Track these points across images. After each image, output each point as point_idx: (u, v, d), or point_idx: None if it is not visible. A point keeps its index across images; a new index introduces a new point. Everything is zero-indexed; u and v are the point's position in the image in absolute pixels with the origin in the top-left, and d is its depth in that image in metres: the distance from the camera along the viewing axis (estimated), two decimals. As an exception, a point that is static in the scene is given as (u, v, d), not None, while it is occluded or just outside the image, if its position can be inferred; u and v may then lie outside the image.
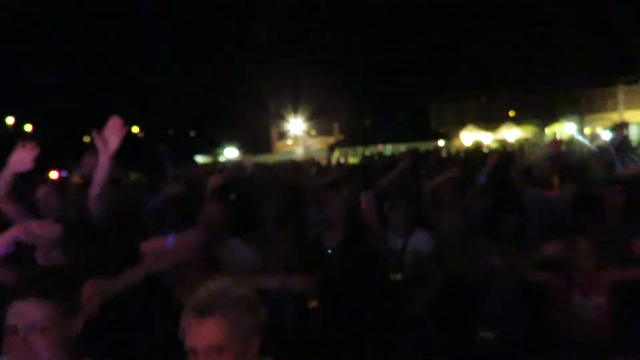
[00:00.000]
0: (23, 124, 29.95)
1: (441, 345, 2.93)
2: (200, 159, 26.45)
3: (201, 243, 2.27)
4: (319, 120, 29.21)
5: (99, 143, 2.10)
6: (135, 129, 33.91)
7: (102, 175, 2.16)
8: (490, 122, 24.53)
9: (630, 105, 23.72)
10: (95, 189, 2.19)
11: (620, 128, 6.98)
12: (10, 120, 29.25)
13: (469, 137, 24.15)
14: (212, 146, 29.18)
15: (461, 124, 25.31)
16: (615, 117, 23.66)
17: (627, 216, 2.84)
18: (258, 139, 29.51)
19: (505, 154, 8.18)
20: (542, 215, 3.43)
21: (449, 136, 24.24)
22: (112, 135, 2.11)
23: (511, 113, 25.48)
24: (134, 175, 11.43)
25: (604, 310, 2.42)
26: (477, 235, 3.10)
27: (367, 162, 11.67)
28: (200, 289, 1.22)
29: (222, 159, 26.42)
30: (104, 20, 32.62)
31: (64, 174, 9.59)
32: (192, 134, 36.90)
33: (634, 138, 19.44)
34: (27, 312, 1.27)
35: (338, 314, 3.05)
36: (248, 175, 7.03)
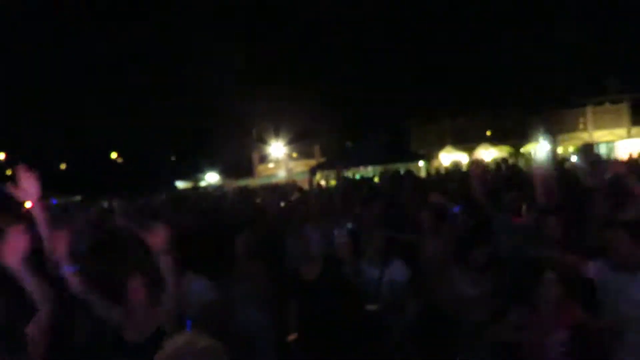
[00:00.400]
0: (-5, 152, 29.30)
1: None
2: (180, 184, 26.25)
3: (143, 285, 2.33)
4: (301, 143, 29.45)
5: (19, 195, 2.12)
6: (113, 155, 33.47)
7: (42, 223, 2.18)
8: (467, 142, 25.18)
9: (598, 126, 24.75)
10: (44, 237, 2.21)
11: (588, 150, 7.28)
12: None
13: (447, 157, 24.69)
14: (193, 171, 28.99)
15: (440, 145, 25.89)
16: (585, 136, 24.58)
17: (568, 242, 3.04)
18: (240, 162, 29.49)
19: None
20: (511, 242, 3.55)
21: (428, 157, 24.72)
22: (26, 183, 2.12)
23: (488, 133, 26.24)
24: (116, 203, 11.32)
25: (569, 346, 2.50)
26: (450, 264, 3.20)
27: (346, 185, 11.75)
28: (167, 343, 1.30)
29: (203, 183, 26.28)
30: (80, 44, 32.43)
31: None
32: (173, 158, 36.60)
33: (603, 156, 20.16)
34: None
35: (317, 346, 3.08)
36: (228, 204, 7.04)
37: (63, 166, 31.30)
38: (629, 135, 24.00)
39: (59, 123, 30.35)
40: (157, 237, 2.46)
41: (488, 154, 23.96)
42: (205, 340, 1.32)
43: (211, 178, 28.09)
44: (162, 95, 31.58)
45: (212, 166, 29.04)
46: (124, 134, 31.62)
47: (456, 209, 3.86)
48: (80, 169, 28.45)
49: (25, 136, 29.90)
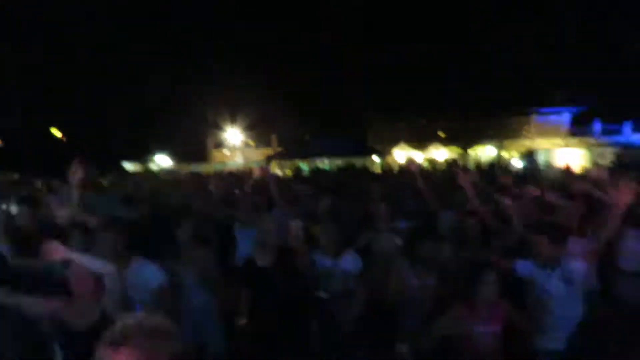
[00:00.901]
0: None
1: (362, 358, 3.13)
2: (128, 165, 25.17)
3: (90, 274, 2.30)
4: (258, 131, 29.13)
5: None
6: (55, 132, 31.39)
7: None
8: (421, 141, 26.08)
9: (540, 134, 26.49)
10: None
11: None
12: None
13: (401, 154, 25.46)
14: (142, 152, 27.80)
15: (395, 142, 26.62)
16: (527, 143, 26.21)
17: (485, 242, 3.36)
18: (194, 147, 28.70)
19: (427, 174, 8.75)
20: (455, 237, 3.78)
21: (383, 153, 25.36)
22: None
23: (441, 134, 27.29)
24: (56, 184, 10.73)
25: (500, 336, 2.77)
26: (399, 256, 3.36)
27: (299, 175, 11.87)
28: (116, 323, 1.30)
29: (153, 167, 25.36)
30: (17, 14, 29.91)
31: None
32: (121, 139, 34.85)
33: (541, 162, 21.64)
34: None
35: (267, 331, 3.14)
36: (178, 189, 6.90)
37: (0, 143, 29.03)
38: (566, 145, 25.89)
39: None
40: None
41: (439, 153, 24.97)
42: (155, 320, 1.32)
43: (162, 161, 27.16)
44: (113, 71, 29.96)
45: (163, 149, 28.03)
46: (68, 111, 29.70)
47: (402, 224, 4.06)
48: (18, 145, 26.47)
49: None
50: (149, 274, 2.98)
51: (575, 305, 2.90)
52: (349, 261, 3.47)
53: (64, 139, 32.82)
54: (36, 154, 23.18)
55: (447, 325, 2.70)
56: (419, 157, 24.90)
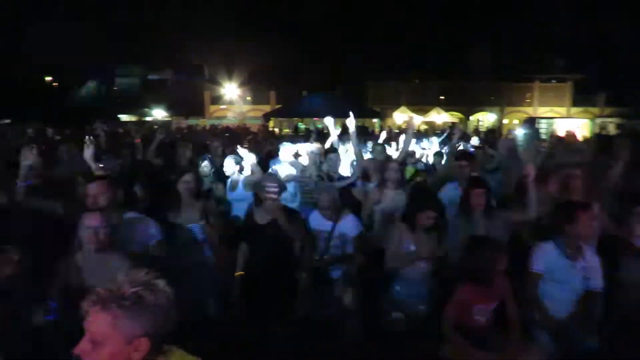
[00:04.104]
0: None
1: (356, 322, 3.13)
2: (124, 117, 24.73)
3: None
4: (256, 87, 28.50)
5: None
6: (48, 78, 30.51)
7: None
8: (421, 104, 25.66)
9: (542, 102, 26.10)
10: None
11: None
12: None
13: (401, 117, 25.12)
14: (138, 104, 27.27)
15: (395, 104, 26.18)
16: (530, 111, 25.87)
17: (487, 213, 3.27)
18: (190, 100, 28.13)
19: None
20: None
21: (383, 115, 25.01)
22: None
23: (441, 97, 26.87)
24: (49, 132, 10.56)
25: (494, 311, 2.74)
26: (399, 222, 3.29)
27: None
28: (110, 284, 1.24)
29: (149, 118, 24.95)
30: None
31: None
32: (115, 87, 34.00)
33: (542, 131, 21.43)
34: None
35: (260, 286, 3.13)
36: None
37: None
38: (568, 114, 25.59)
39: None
40: None
41: (439, 117, 24.65)
42: (145, 288, 1.24)
43: (158, 114, 26.68)
44: (106, 13, 28.73)
45: (158, 102, 27.45)
46: (62, 57, 28.75)
47: None
48: (10, 91, 25.86)
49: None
50: (143, 229, 2.89)
51: (578, 280, 2.86)
52: (349, 225, 3.41)
53: (57, 86, 32.06)
54: (27, 101, 22.69)
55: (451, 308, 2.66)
56: (418, 120, 24.58)
